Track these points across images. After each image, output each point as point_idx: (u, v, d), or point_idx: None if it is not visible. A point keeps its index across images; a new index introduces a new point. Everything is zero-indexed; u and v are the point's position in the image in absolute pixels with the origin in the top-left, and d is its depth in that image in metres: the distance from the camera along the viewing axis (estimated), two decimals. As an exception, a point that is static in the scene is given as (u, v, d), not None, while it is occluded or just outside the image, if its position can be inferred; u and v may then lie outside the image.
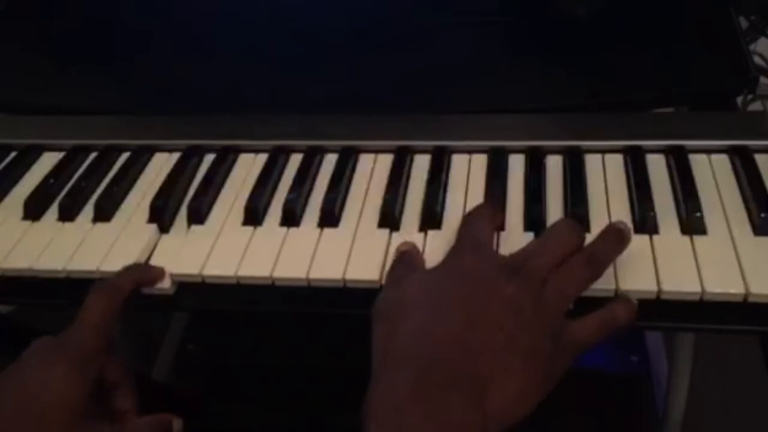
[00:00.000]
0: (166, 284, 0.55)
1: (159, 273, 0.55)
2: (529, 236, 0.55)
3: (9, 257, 0.58)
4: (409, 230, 0.57)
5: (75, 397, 0.48)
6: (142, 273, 0.55)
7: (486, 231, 0.52)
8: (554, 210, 0.57)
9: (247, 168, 0.65)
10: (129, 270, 0.55)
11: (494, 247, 0.53)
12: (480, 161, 0.63)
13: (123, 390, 0.53)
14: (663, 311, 0.50)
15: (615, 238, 0.51)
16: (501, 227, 0.56)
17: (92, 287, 0.52)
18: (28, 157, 0.69)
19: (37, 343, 0.50)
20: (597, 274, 0.49)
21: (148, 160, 0.67)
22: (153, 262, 0.56)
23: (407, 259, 0.53)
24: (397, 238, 0.56)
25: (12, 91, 0.79)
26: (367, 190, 0.61)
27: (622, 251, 0.51)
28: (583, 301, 0.49)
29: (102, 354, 0.50)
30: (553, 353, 0.45)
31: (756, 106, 0.84)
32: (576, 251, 0.49)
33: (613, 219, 0.56)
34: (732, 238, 0.53)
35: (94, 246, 0.58)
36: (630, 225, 0.55)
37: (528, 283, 0.46)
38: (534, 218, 0.56)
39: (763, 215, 0.54)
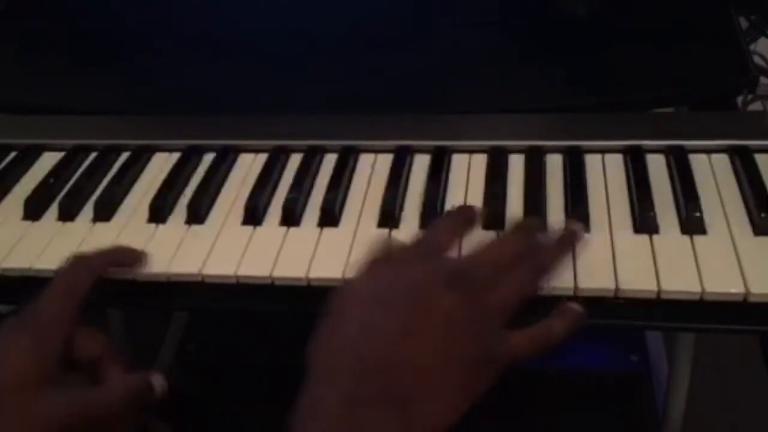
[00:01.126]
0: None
1: (138, 256, 0.55)
2: (529, 236, 0.55)
3: (9, 257, 0.58)
4: (409, 230, 0.57)
5: (30, 365, 0.48)
6: (121, 254, 0.55)
7: (445, 235, 0.51)
8: (554, 210, 0.57)
9: (247, 168, 0.65)
10: (107, 250, 0.55)
11: (454, 251, 0.52)
12: (480, 161, 0.63)
13: (108, 360, 0.52)
14: (663, 311, 0.50)
15: (565, 241, 0.51)
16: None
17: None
18: (28, 157, 0.69)
19: (6, 320, 0.51)
20: (543, 281, 0.49)
21: (148, 160, 0.67)
22: (153, 261, 0.56)
23: (378, 247, 0.51)
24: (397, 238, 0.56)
25: (12, 91, 0.79)
26: (367, 190, 0.61)
27: (571, 252, 0.51)
28: (583, 301, 0.49)
29: (65, 323, 0.50)
30: (485, 365, 0.45)
31: (756, 106, 0.84)
32: (526, 255, 0.49)
33: (613, 219, 0.56)
34: (732, 238, 0.53)
35: (94, 246, 0.58)
36: (630, 225, 0.55)
37: (469, 292, 0.45)
38: (534, 219, 0.56)
39: (763, 215, 0.54)
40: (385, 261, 0.49)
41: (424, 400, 0.42)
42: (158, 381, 0.51)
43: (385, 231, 0.57)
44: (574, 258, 0.52)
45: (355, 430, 0.41)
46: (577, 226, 0.52)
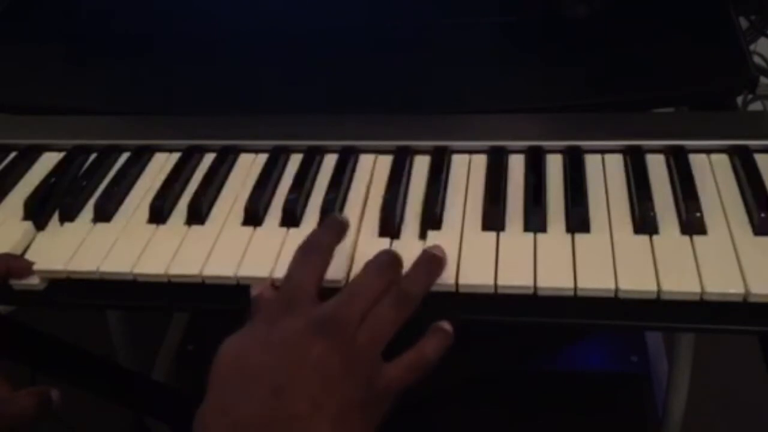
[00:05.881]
0: (34, 280, 0.56)
1: (26, 266, 0.56)
2: (529, 237, 0.55)
3: (9, 257, 0.58)
4: (409, 230, 0.57)
5: None
6: (8, 262, 0.56)
7: (305, 280, 0.50)
8: (554, 210, 0.57)
9: (247, 168, 0.65)
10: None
11: (316, 292, 0.50)
12: (480, 161, 0.63)
13: None
14: (663, 311, 0.50)
15: (427, 268, 0.51)
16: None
17: None
18: (28, 157, 0.69)
19: None
20: (410, 309, 0.48)
21: (148, 160, 0.67)
22: (153, 261, 0.56)
23: (256, 306, 0.51)
24: (397, 238, 0.56)
25: (12, 91, 0.79)
26: (367, 190, 0.61)
27: (438, 277, 0.51)
28: (583, 301, 0.49)
29: None
30: (367, 403, 0.45)
31: (756, 106, 0.84)
32: (391, 285, 0.48)
33: (613, 219, 0.56)
34: (732, 238, 0.53)
35: (94, 246, 0.58)
36: (630, 225, 0.55)
37: (337, 337, 0.45)
38: (534, 219, 0.56)
39: (763, 215, 0.54)
40: (263, 311, 0.49)
41: None
42: (56, 395, 0.52)
43: (386, 240, 0.57)
44: (573, 258, 0.52)
45: None
46: (437, 249, 0.52)
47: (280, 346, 0.45)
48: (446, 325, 0.49)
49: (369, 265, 0.50)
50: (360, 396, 0.44)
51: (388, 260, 0.50)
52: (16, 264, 0.56)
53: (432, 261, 0.51)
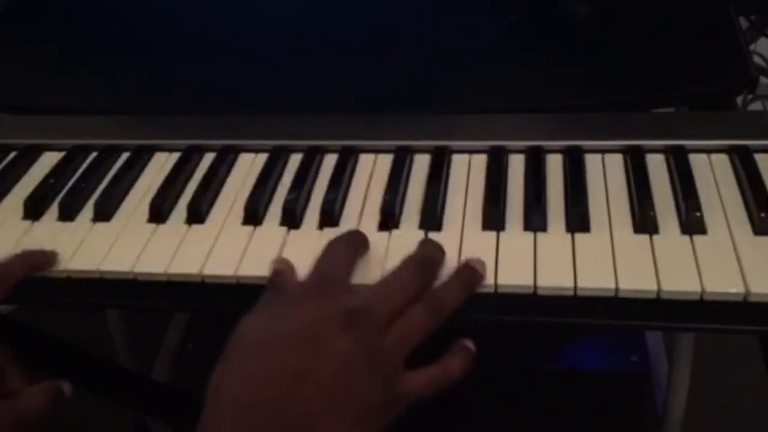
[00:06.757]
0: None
1: (51, 256, 0.56)
2: (529, 236, 0.55)
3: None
4: (409, 230, 0.57)
5: None
6: (34, 257, 0.56)
7: (341, 266, 0.49)
8: (554, 210, 0.57)
9: (247, 168, 0.65)
10: (20, 255, 0.55)
11: (349, 282, 0.50)
12: (480, 161, 0.63)
13: (10, 372, 0.53)
14: (663, 311, 0.50)
15: (466, 279, 0.50)
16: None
17: None
18: (28, 157, 0.69)
19: None
20: (441, 320, 0.47)
21: (148, 160, 0.67)
22: (152, 260, 0.56)
23: (277, 282, 0.51)
24: (397, 238, 0.56)
25: (12, 91, 0.79)
26: (367, 190, 0.61)
27: (475, 290, 0.50)
28: (583, 301, 0.49)
29: None
30: (382, 405, 0.44)
31: (756, 106, 0.84)
32: (424, 292, 0.48)
33: (613, 219, 0.56)
34: (732, 238, 0.53)
35: (94, 246, 0.58)
36: (630, 224, 0.55)
37: (365, 333, 0.44)
38: (534, 218, 0.56)
39: (763, 215, 0.54)
40: (281, 299, 0.48)
41: None
42: (68, 389, 0.53)
43: (385, 231, 0.57)
44: (573, 257, 0.52)
45: None
46: (479, 264, 0.51)
47: (306, 331, 0.44)
48: (470, 344, 0.48)
49: (410, 261, 0.49)
50: (378, 398, 0.44)
51: (431, 258, 0.50)
52: (41, 258, 0.56)
53: (472, 274, 0.50)
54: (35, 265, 0.55)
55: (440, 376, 0.47)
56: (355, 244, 0.52)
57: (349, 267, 0.50)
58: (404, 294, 0.47)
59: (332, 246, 0.51)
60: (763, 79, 0.71)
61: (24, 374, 0.53)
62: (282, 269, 0.51)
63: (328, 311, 0.45)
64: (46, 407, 0.51)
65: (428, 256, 0.51)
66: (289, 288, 0.49)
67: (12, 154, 0.69)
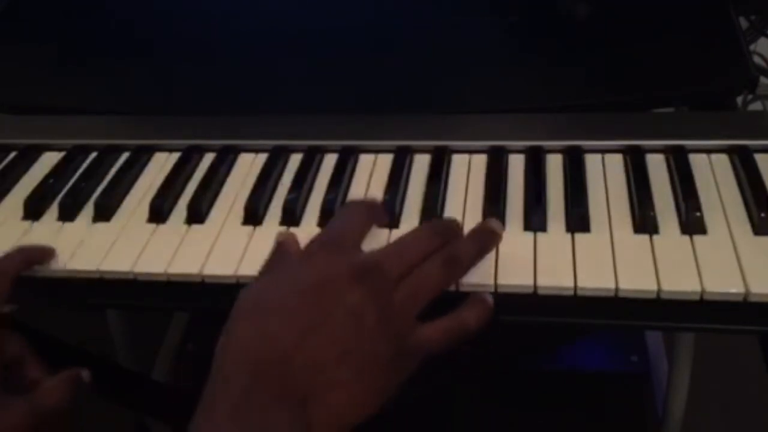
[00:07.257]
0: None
1: (48, 252, 0.56)
2: (529, 236, 0.55)
3: (9, 257, 0.58)
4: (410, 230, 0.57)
5: None
6: (32, 252, 0.56)
7: (352, 226, 0.50)
8: (554, 210, 0.57)
9: (247, 168, 0.65)
10: (18, 250, 0.55)
11: (360, 243, 0.50)
12: (480, 161, 0.63)
13: (30, 361, 0.53)
14: (663, 311, 0.50)
15: (483, 238, 0.50)
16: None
17: None
18: (28, 157, 0.69)
19: None
20: (456, 275, 0.47)
21: (148, 160, 0.67)
22: (152, 260, 0.56)
23: (281, 249, 0.51)
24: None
25: (12, 91, 0.79)
26: (367, 190, 0.61)
27: (490, 251, 0.50)
28: (583, 301, 0.49)
29: None
30: (394, 359, 0.44)
31: (756, 106, 0.84)
32: (439, 249, 0.47)
33: (613, 219, 0.56)
34: (732, 238, 0.53)
35: (94, 246, 0.58)
36: (630, 224, 0.55)
37: (377, 287, 0.44)
38: (534, 218, 0.56)
39: (763, 215, 0.54)
40: (290, 254, 0.48)
41: (326, 398, 0.42)
42: (87, 375, 0.52)
43: (385, 231, 0.57)
44: (573, 257, 0.52)
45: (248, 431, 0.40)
46: (496, 224, 0.51)
47: (316, 286, 0.44)
48: (488, 297, 0.48)
49: (426, 224, 0.50)
50: (389, 351, 0.44)
51: (447, 224, 0.50)
52: (39, 253, 0.56)
53: (489, 233, 0.50)
54: (33, 259, 0.55)
55: (455, 327, 0.47)
56: (370, 209, 0.52)
57: (362, 229, 0.50)
58: (418, 253, 0.47)
59: (347, 208, 0.51)
60: (763, 79, 0.71)
61: (43, 365, 0.53)
62: (287, 239, 0.51)
63: (339, 266, 0.45)
64: (67, 397, 0.51)
65: (448, 221, 0.51)
66: (293, 252, 0.49)
67: (12, 154, 0.69)
